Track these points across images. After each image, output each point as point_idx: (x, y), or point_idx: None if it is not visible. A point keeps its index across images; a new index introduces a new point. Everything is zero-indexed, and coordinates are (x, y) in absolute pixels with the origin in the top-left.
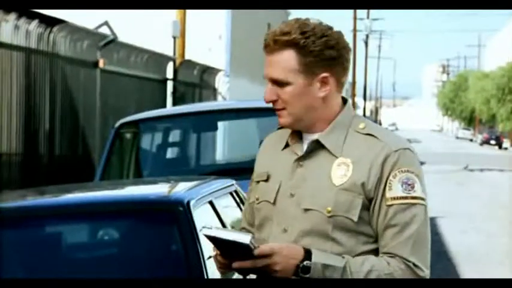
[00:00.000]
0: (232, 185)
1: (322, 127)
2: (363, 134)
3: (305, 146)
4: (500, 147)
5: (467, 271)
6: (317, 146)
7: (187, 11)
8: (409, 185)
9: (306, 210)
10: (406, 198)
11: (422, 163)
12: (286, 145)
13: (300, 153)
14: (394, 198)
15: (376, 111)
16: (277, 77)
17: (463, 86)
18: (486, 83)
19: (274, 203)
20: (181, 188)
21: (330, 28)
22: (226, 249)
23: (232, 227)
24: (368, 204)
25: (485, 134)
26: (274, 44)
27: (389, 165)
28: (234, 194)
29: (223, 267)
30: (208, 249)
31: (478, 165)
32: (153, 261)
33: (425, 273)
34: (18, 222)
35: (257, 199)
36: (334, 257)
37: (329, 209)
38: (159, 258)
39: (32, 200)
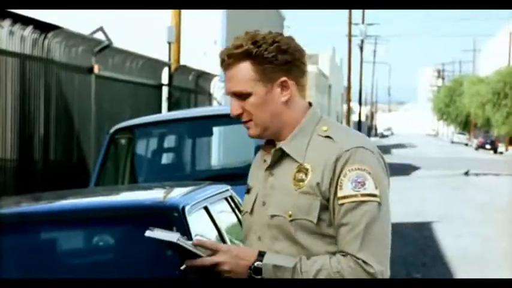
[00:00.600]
0: (228, 190)
1: (288, 133)
2: (323, 136)
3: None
4: (495, 151)
5: (462, 275)
6: (282, 154)
7: (182, 16)
8: (359, 182)
9: (272, 216)
10: (355, 196)
11: (417, 168)
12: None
13: (268, 163)
14: (345, 197)
15: (371, 116)
16: (238, 90)
17: (458, 90)
18: (481, 87)
19: (251, 213)
20: (176, 194)
21: (280, 34)
22: (179, 254)
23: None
24: (327, 206)
25: (481, 138)
26: (229, 58)
27: (340, 164)
28: (229, 200)
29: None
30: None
31: (473, 169)
32: (148, 266)
33: (376, 269)
34: (14, 228)
35: (241, 211)
36: (287, 258)
37: (290, 213)
38: (154, 264)
39: (27, 206)
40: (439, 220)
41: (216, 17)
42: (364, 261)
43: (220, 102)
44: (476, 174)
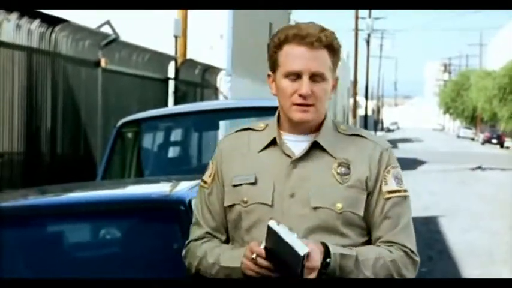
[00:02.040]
0: None
1: (312, 128)
2: (348, 135)
3: (294, 147)
4: (502, 146)
5: (469, 269)
6: (313, 147)
7: (189, 10)
8: (399, 179)
9: (315, 208)
10: (399, 191)
11: (423, 162)
12: (265, 147)
13: (293, 155)
14: (391, 192)
15: (377, 110)
16: (321, 71)
17: (465, 85)
18: (488, 81)
19: (271, 205)
20: (182, 187)
21: None
22: (275, 251)
23: None
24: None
25: (487, 133)
26: (317, 41)
27: (384, 162)
28: None
29: (258, 269)
30: None
31: (480, 164)
32: (155, 260)
33: (418, 258)
34: (20, 221)
35: (245, 202)
36: (344, 248)
37: (339, 205)
38: (160, 257)
39: (34, 199)
40: (446, 214)
41: (222, 11)
42: (411, 251)
43: (227, 96)
44: (483, 169)
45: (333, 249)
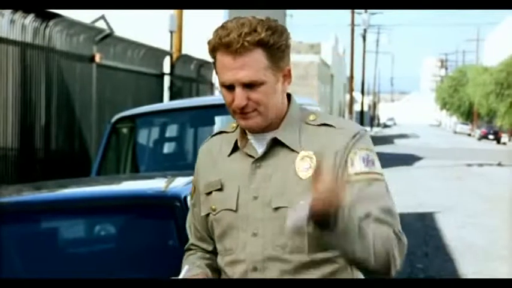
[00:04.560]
0: None
1: (274, 124)
2: (316, 125)
3: (258, 146)
4: (498, 142)
5: (465, 266)
6: (274, 144)
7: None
8: (370, 161)
9: (277, 208)
10: (369, 173)
11: (420, 158)
12: (234, 150)
13: (257, 155)
14: (359, 174)
15: (374, 106)
16: (253, 79)
17: (462, 80)
18: (485, 77)
19: (236, 210)
20: (178, 183)
21: (276, 21)
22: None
23: None
24: None
25: (483, 128)
26: (241, 47)
27: (349, 147)
28: None
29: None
30: None
31: (476, 160)
32: (150, 256)
33: (405, 240)
34: (15, 217)
35: (214, 210)
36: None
37: (301, 203)
38: (155, 253)
39: (29, 195)
40: (442, 210)
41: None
42: (400, 231)
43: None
44: (480, 165)
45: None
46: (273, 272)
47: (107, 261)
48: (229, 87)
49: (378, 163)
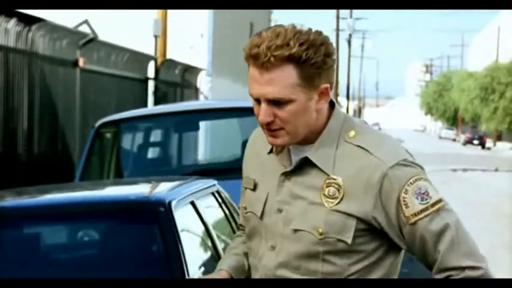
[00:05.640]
0: (214, 185)
1: (312, 138)
2: (354, 145)
3: (293, 158)
4: (483, 147)
5: None
6: (306, 162)
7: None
8: (423, 193)
9: (296, 230)
10: (427, 209)
11: None
12: (271, 150)
13: (288, 167)
14: (415, 214)
15: (359, 110)
16: (278, 96)
17: (447, 85)
18: (470, 82)
19: (261, 218)
20: (162, 188)
21: (320, 33)
22: None
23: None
24: (366, 227)
25: (468, 134)
26: (271, 59)
27: (391, 186)
28: (216, 195)
29: None
30: (189, 250)
31: (461, 165)
32: (134, 262)
33: (483, 265)
34: None
35: (245, 208)
36: None
37: (320, 230)
38: (139, 259)
39: (10, 200)
40: None
41: (203, 11)
42: (471, 267)
43: (207, 96)
44: (464, 170)
45: None
46: None
47: (90, 267)
48: (257, 100)
49: (431, 189)
